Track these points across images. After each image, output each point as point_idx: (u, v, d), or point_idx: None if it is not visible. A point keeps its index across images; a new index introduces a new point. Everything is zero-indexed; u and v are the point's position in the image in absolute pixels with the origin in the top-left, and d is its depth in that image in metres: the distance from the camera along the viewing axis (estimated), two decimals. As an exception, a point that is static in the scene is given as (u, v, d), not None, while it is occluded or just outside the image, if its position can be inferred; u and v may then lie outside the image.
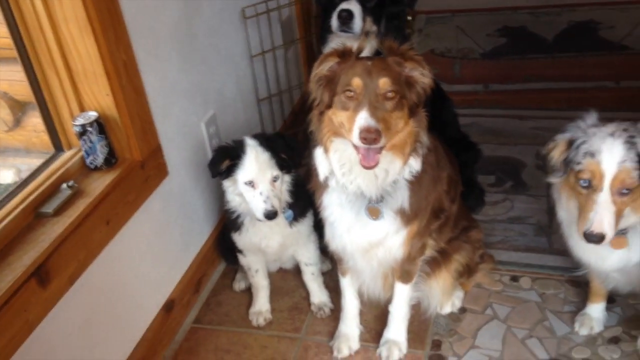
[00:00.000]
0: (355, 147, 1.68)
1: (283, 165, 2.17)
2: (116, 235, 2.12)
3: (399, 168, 1.79)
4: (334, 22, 2.40)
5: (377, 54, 1.77)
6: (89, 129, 2.04)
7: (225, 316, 2.59)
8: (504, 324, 2.37)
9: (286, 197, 2.25)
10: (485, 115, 3.65)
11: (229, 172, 2.17)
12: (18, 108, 2.33)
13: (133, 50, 2.13)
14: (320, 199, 2.01)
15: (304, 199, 2.28)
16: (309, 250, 2.47)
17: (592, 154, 1.71)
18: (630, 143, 1.69)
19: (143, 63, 2.20)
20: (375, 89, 1.65)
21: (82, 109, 2.10)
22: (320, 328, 2.47)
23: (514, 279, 2.55)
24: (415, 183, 1.87)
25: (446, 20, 4.66)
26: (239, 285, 2.71)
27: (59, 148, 2.16)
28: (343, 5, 2.39)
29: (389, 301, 2.27)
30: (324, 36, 2.53)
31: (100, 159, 2.11)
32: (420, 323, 2.40)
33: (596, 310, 2.27)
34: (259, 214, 2.14)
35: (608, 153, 1.69)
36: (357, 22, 2.37)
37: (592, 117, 1.82)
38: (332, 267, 2.64)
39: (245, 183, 2.14)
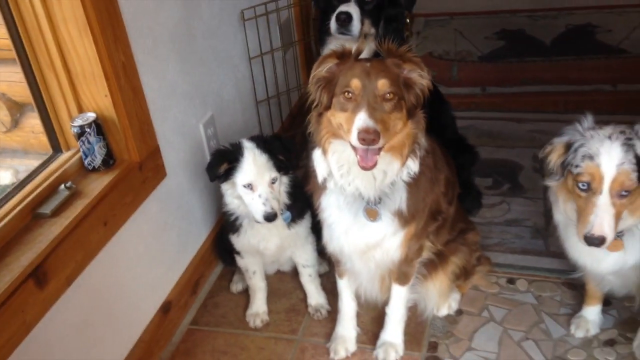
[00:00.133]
0: (354, 148, 1.69)
1: (281, 167, 2.17)
2: (114, 236, 2.13)
3: (397, 169, 1.79)
4: (333, 24, 2.41)
5: (376, 56, 1.78)
6: (87, 130, 2.04)
7: (222, 318, 2.59)
8: (500, 326, 2.37)
9: (284, 199, 2.26)
10: (482, 118, 3.66)
11: (227, 175, 2.17)
12: (16, 109, 2.33)
13: (132, 51, 2.13)
14: (318, 201, 2.02)
15: (302, 201, 2.29)
16: (306, 252, 2.47)
17: (590, 157, 1.72)
18: (628, 145, 1.70)
19: (141, 64, 2.20)
20: (373, 90, 1.66)
21: (81, 110, 2.11)
22: (317, 330, 2.47)
23: (511, 281, 2.56)
24: (413, 185, 1.88)
25: (444, 23, 4.67)
26: (236, 287, 2.71)
27: (57, 149, 2.16)
28: (342, 8, 2.40)
29: (385, 303, 2.27)
30: (323, 38, 2.54)
31: (98, 160, 2.12)
32: (416, 325, 2.40)
33: (592, 312, 2.28)
34: (259, 216, 2.14)
35: (607, 156, 1.70)
36: (356, 25, 2.38)
37: (589, 120, 1.83)
38: (329, 269, 2.65)
39: (244, 186, 2.14)
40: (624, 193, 1.71)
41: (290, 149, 2.21)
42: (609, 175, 1.69)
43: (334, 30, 2.41)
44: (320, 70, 1.77)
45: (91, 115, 2.06)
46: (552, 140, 1.89)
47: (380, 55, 1.77)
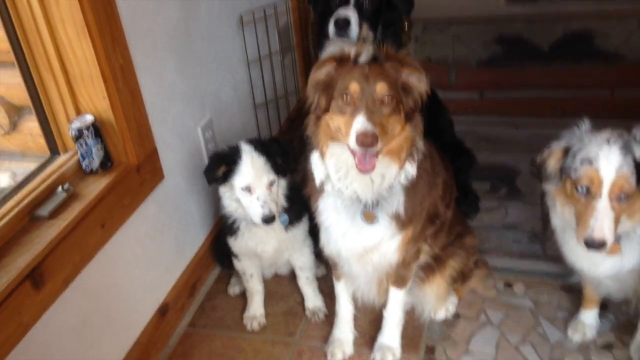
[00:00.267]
0: (352, 151, 1.69)
1: (279, 169, 2.18)
2: (111, 238, 2.13)
3: (394, 173, 1.80)
4: (331, 28, 2.41)
5: (374, 60, 1.78)
6: (85, 132, 2.05)
7: (219, 320, 2.59)
8: (498, 329, 2.37)
9: (282, 202, 2.26)
10: (480, 123, 3.67)
11: (225, 178, 2.17)
12: (14, 112, 2.33)
13: (130, 54, 2.14)
14: (315, 204, 2.02)
15: (299, 204, 2.29)
16: (304, 255, 2.47)
17: (589, 161, 1.72)
18: (626, 149, 1.70)
19: (140, 66, 2.21)
20: (372, 93, 1.66)
21: (79, 112, 2.11)
22: (315, 333, 2.47)
23: (508, 285, 2.56)
24: (411, 188, 1.88)
25: (442, 29, 4.65)
26: (233, 289, 2.71)
27: (54, 151, 2.17)
28: (340, 12, 2.40)
29: (383, 306, 2.27)
30: (321, 41, 2.54)
31: (96, 162, 2.12)
32: (414, 328, 2.40)
33: (589, 316, 2.28)
34: (257, 218, 2.14)
35: (605, 159, 1.70)
36: (354, 29, 2.38)
37: (586, 125, 1.83)
38: (326, 272, 2.65)
39: (242, 188, 2.15)
40: (622, 197, 1.71)
41: (288, 152, 2.21)
42: (608, 179, 1.69)
43: (332, 34, 2.42)
44: (319, 73, 1.77)
45: (89, 118, 2.06)
46: (549, 145, 1.89)
47: (379, 59, 1.77)
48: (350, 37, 2.39)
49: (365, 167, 1.67)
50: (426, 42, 4.47)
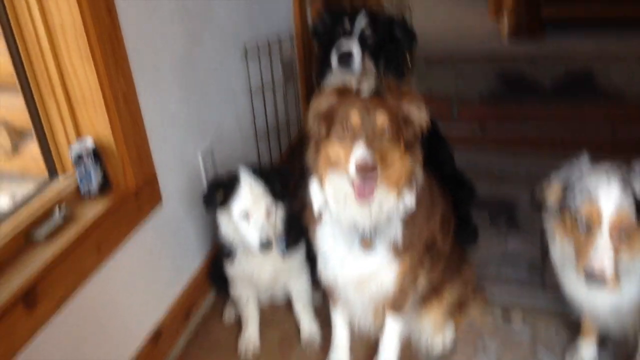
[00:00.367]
0: (351, 180, 1.69)
1: (277, 196, 2.17)
2: (106, 262, 2.11)
3: (393, 202, 1.80)
4: (334, 59, 2.44)
5: (376, 92, 1.81)
6: (85, 155, 2.05)
7: (213, 347, 2.55)
8: (495, 359, 2.34)
9: (280, 229, 2.25)
10: (481, 156, 3.69)
11: (224, 203, 2.17)
12: (17, 135, 2.34)
13: (133, 80, 2.15)
14: (313, 231, 2.01)
15: (297, 231, 2.28)
16: (300, 282, 2.45)
17: (589, 195, 1.72)
18: (626, 183, 1.70)
19: (142, 93, 2.22)
20: (372, 123, 1.68)
21: (79, 135, 2.11)
22: (310, 361, 2.44)
23: (506, 315, 2.54)
24: (409, 218, 1.88)
25: (446, 64, 4.71)
26: (229, 315, 2.68)
27: (53, 174, 2.17)
28: (343, 44, 2.43)
29: (379, 335, 2.24)
30: (324, 72, 2.56)
31: (94, 185, 2.12)
32: (410, 357, 2.37)
33: (588, 348, 2.26)
34: (254, 245, 2.13)
35: (605, 193, 1.69)
36: (356, 61, 2.41)
37: (585, 158, 1.83)
38: (323, 300, 2.62)
39: (240, 214, 2.14)
40: (622, 232, 1.70)
41: (287, 179, 2.22)
42: (608, 214, 1.69)
43: (335, 65, 2.44)
44: (321, 104, 1.79)
45: (89, 141, 2.07)
46: (549, 178, 1.89)
47: (380, 91, 1.79)
48: (352, 68, 2.41)
49: (363, 195, 1.67)
50: (429, 77, 4.52)
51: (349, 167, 1.64)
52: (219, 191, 2.15)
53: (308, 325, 2.52)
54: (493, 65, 4.53)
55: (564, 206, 1.82)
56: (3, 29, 1.92)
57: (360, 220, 1.82)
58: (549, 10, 4.72)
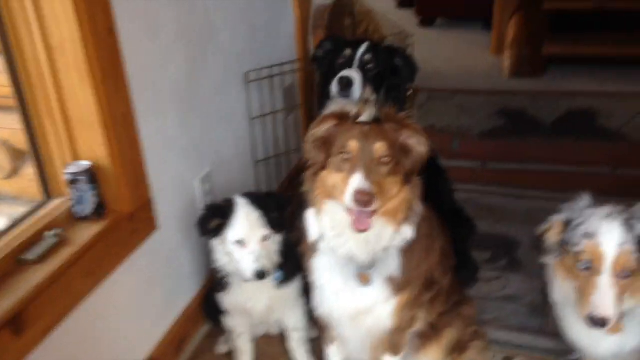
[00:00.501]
0: (348, 209, 1.66)
1: (274, 224, 2.13)
2: (98, 287, 2.07)
3: (391, 234, 1.76)
4: (334, 87, 2.43)
5: (375, 121, 1.79)
6: (80, 177, 2.02)
7: (204, 381, 2.49)
8: (494, 405, 2.28)
9: (276, 258, 2.21)
10: (481, 192, 3.65)
11: (218, 230, 2.13)
12: (17, 157, 2.32)
13: (132, 103, 2.14)
14: (309, 262, 1.97)
15: (293, 261, 2.23)
16: (295, 315, 2.40)
17: (590, 236, 1.69)
18: (628, 225, 1.67)
19: (141, 116, 2.20)
20: (371, 152, 1.65)
21: (76, 157, 2.09)
22: (302, 399, 2.37)
23: (507, 359, 2.47)
24: (408, 251, 1.84)
25: (447, 98, 4.73)
26: (222, 348, 2.61)
27: (48, 195, 2.13)
28: (344, 72, 2.42)
29: (375, 373, 2.18)
30: (324, 101, 2.55)
31: (88, 208, 2.08)
32: (407, 400, 2.30)
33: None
34: (248, 273, 2.09)
35: (607, 235, 1.67)
36: (357, 89, 2.40)
37: (586, 198, 1.81)
38: (319, 335, 2.55)
39: (235, 242, 2.10)
40: (626, 274, 1.67)
41: (284, 207, 2.18)
42: (611, 255, 1.66)
43: (335, 93, 2.43)
44: (319, 130, 1.76)
45: (85, 163, 2.04)
46: (549, 218, 1.86)
47: (379, 119, 1.77)
48: (352, 98, 2.40)
49: (360, 226, 1.64)
50: (431, 110, 4.53)
51: (346, 196, 1.61)
52: (214, 217, 2.11)
53: (303, 360, 2.45)
54: (495, 101, 4.55)
55: (565, 246, 1.78)
56: (4, 47, 1.90)
57: (357, 252, 1.77)
58: (551, 47, 4.75)
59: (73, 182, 2.03)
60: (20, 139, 2.22)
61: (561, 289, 1.88)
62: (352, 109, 1.77)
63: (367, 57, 2.48)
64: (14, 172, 2.33)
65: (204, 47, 2.61)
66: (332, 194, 1.73)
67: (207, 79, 2.67)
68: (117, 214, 2.15)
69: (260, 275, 2.07)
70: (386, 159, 1.66)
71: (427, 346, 2.17)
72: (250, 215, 2.09)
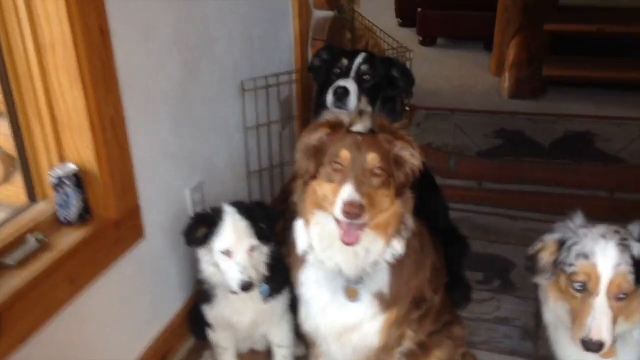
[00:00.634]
0: (337, 221, 1.61)
1: (262, 235, 2.08)
2: (79, 295, 2.01)
3: (380, 248, 1.71)
4: (330, 97, 2.40)
5: (370, 133, 1.76)
6: (65, 181, 1.98)
7: (186, 397, 2.42)
8: None
9: (263, 270, 2.15)
10: (476, 212, 3.61)
11: (205, 240, 2.08)
12: (10, 162, 2.27)
13: (123, 107, 2.09)
14: (296, 275, 1.92)
15: (281, 275, 2.17)
16: (282, 331, 2.33)
17: (585, 256, 1.65)
18: (623, 245, 1.63)
19: (132, 121, 2.16)
20: (362, 163, 1.61)
21: (62, 160, 2.05)
22: (287, 418, 2.30)
23: (496, 383, 2.41)
24: (397, 267, 1.79)
25: (445, 117, 4.72)
26: (205, 363, 2.55)
27: (32, 198, 2.09)
28: (339, 82, 2.39)
29: (361, 394, 2.11)
30: (319, 112, 2.52)
31: (73, 213, 2.04)
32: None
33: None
34: (234, 284, 2.03)
35: (602, 255, 1.62)
36: (352, 100, 2.37)
37: (579, 218, 1.77)
38: (306, 352, 2.49)
39: (221, 252, 2.05)
40: (621, 296, 1.62)
41: (273, 218, 2.13)
42: (606, 276, 1.61)
43: (330, 104, 2.40)
44: (311, 137, 1.72)
45: (71, 167, 2.00)
46: (542, 237, 1.82)
47: (373, 130, 1.73)
48: (348, 108, 2.37)
49: (349, 239, 1.59)
50: (428, 129, 4.52)
51: (335, 207, 1.57)
52: (201, 226, 2.06)
53: (288, 378, 2.39)
54: (493, 121, 4.54)
55: (558, 267, 1.74)
56: (-7, 44, 1.87)
57: (345, 266, 1.72)
58: (550, 69, 4.74)
59: (58, 185, 1.98)
60: (12, 145, 2.17)
61: (553, 310, 1.83)
62: (346, 118, 1.72)
63: (364, 67, 2.45)
64: (5, 179, 2.27)
65: (199, 53, 2.58)
66: (321, 205, 1.68)
67: (202, 86, 2.63)
68: (103, 220, 2.11)
69: (246, 286, 2.01)
70: (378, 171, 1.62)
71: (416, 368, 2.11)
72: (237, 225, 2.04)
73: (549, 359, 2.12)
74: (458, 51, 6.16)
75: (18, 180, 2.21)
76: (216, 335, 2.34)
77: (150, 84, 2.26)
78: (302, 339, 2.36)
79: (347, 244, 1.62)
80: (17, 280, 1.78)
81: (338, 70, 2.46)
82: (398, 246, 1.75)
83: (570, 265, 1.67)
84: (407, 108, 2.70)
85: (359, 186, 1.56)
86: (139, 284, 2.35)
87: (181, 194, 2.58)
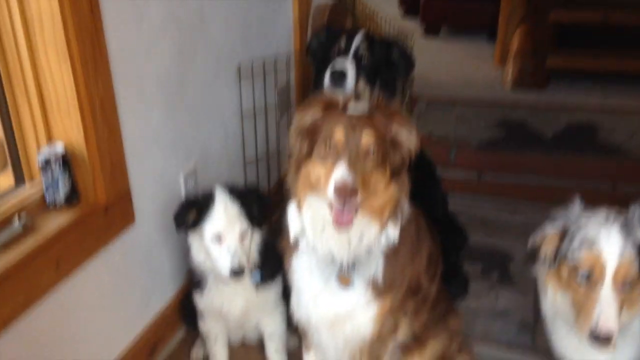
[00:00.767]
0: (330, 204, 1.55)
1: (254, 220, 2.03)
2: (66, 281, 1.95)
3: (374, 234, 1.65)
4: (327, 78, 2.33)
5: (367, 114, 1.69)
6: (53, 162, 1.92)
7: (177, 387, 2.37)
8: None
9: (255, 257, 2.09)
10: (476, 204, 3.57)
11: (196, 224, 2.02)
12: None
13: (113, 87, 2.03)
14: (289, 262, 1.86)
15: (273, 263, 2.11)
16: (274, 322, 2.28)
17: (589, 244, 1.58)
18: (627, 230, 1.56)
19: (123, 102, 2.10)
20: (357, 143, 1.55)
21: (50, 141, 1.99)
22: (278, 410, 2.24)
23: (493, 376, 2.36)
24: (392, 254, 1.73)
25: (446, 108, 4.65)
26: (196, 354, 2.49)
27: (20, 180, 2.03)
28: (337, 62, 2.33)
29: (354, 384, 2.05)
30: (315, 92, 2.45)
31: (60, 195, 1.98)
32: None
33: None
34: (225, 270, 1.97)
35: (607, 242, 1.56)
36: (350, 82, 2.31)
37: (578, 204, 1.70)
38: (299, 345, 2.44)
39: (212, 237, 1.99)
40: (626, 285, 1.56)
41: (266, 203, 2.07)
42: (612, 264, 1.55)
43: (328, 85, 2.33)
44: (305, 117, 1.66)
45: (59, 147, 1.94)
46: (543, 226, 1.75)
47: (369, 109, 1.66)
48: (345, 89, 2.30)
49: (341, 221, 1.53)
50: (429, 119, 4.45)
51: (328, 188, 1.50)
52: (192, 210, 2.00)
53: (280, 370, 2.33)
54: (495, 112, 4.47)
55: (560, 256, 1.67)
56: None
57: (338, 251, 1.66)
58: (554, 60, 4.67)
59: (45, 165, 1.93)
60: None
61: (552, 302, 1.77)
62: (341, 98, 1.65)
63: (362, 47, 2.38)
64: (5, 167, 2.22)
65: (194, 36, 2.51)
66: (315, 187, 1.62)
67: (197, 69, 2.57)
68: (91, 203, 2.05)
69: (237, 272, 1.95)
70: (373, 151, 1.56)
71: (409, 358, 2.04)
72: (229, 209, 1.98)
73: (547, 352, 2.07)
74: (461, 41, 6.09)
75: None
76: (207, 325, 2.29)
77: (142, 64, 2.20)
78: (295, 331, 2.30)
79: (340, 227, 1.55)
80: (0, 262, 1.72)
81: (336, 51, 2.39)
82: (393, 232, 1.68)
83: (573, 253, 1.61)
84: (407, 93, 2.62)
85: (352, 167, 1.50)
86: (129, 272, 2.30)
87: (174, 180, 2.52)
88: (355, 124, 1.56)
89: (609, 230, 1.57)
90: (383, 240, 1.68)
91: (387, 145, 1.60)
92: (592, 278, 1.57)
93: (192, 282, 2.21)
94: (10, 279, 1.72)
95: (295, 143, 1.68)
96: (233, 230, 1.98)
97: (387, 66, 2.41)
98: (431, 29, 6.22)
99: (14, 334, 1.76)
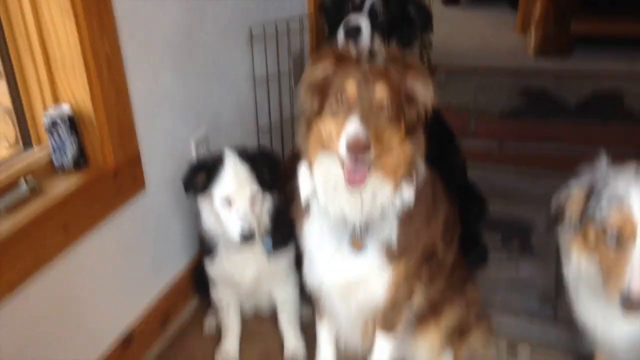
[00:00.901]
0: (342, 162, 1.47)
1: (265, 183, 1.97)
2: (74, 245, 1.91)
3: (388, 194, 1.57)
4: (340, 35, 2.24)
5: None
6: (60, 123, 1.88)
7: (189, 358, 2.32)
8: (497, 395, 2.10)
9: (266, 222, 2.04)
10: (497, 173, 3.49)
11: (205, 187, 1.96)
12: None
13: (120, 45, 1.98)
14: (300, 226, 1.79)
15: (286, 229, 2.04)
16: (286, 290, 2.23)
17: (618, 202, 1.48)
18: None
19: (131, 62, 2.05)
20: (370, 96, 1.46)
21: (57, 102, 1.94)
22: (291, 378, 2.20)
23: (512, 347, 2.29)
24: (406, 216, 1.65)
25: (466, 77, 4.55)
26: (209, 326, 2.45)
27: (27, 143, 1.99)
28: (351, 18, 2.24)
29: (368, 354, 1.99)
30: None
31: (68, 158, 1.94)
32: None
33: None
34: (235, 235, 1.92)
35: (638, 199, 1.46)
36: (365, 38, 2.21)
37: (605, 161, 1.60)
38: (312, 315, 2.39)
39: (222, 200, 1.93)
40: None
41: (276, 165, 2.00)
42: None
43: (341, 42, 2.24)
44: (316, 71, 1.58)
45: (65, 108, 1.90)
46: (568, 184, 1.66)
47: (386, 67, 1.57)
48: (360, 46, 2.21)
49: (354, 179, 1.45)
50: (449, 89, 4.36)
51: (340, 143, 1.43)
52: (201, 173, 1.94)
53: (292, 341, 2.28)
54: (517, 80, 4.36)
55: (587, 217, 1.58)
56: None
57: (351, 213, 1.58)
58: (579, 26, 4.52)
59: (52, 128, 1.89)
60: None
61: (577, 265, 1.68)
62: (354, 50, 1.57)
63: (378, 3, 2.28)
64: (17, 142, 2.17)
65: (204, -6, 2.43)
66: (326, 145, 1.54)
67: (207, 33, 2.50)
68: (100, 167, 2.01)
69: (247, 236, 1.90)
70: (387, 105, 1.48)
71: (425, 328, 1.98)
72: (239, 172, 1.92)
73: (569, 324, 2.00)
74: (482, 10, 5.95)
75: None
76: (219, 293, 2.25)
77: (150, 26, 2.14)
78: (309, 301, 2.25)
79: (353, 185, 1.48)
80: (5, 226, 1.69)
81: (350, 8, 2.30)
82: (408, 193, 1.61)
83: (601, 211, 1.51)
84: (426, 57, 2.51)
85: (365, 120, 1.42)
86: (139, 239, 2.26)
87: (186, 145, 2.47)
88: (368, 77, 1.48)
89: (639, 186, 1.47)
90: (397, 203, 1.60)
91: (401, 99, 1.52)
92: (622, 239, 1.47)
93: (203, 249, 2.16)
94: (18, 241, 1.69)
95: (305, 99, 1.61)
96: (243, 194, 1.92)
97: (403, 22, 2.31)
98: (451, -2, 6.10)
99: (23, 299, 1.74)
